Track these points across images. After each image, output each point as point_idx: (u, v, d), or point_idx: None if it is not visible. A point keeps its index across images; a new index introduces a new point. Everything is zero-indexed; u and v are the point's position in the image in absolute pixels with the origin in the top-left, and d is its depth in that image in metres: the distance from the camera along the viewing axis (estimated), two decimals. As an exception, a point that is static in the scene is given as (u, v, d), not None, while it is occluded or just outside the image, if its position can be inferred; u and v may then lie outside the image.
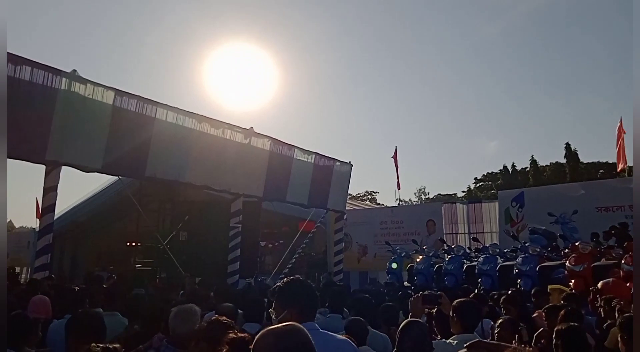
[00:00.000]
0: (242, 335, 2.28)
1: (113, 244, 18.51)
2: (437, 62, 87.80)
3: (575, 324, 3.34)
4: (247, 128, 10.59)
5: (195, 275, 10.69)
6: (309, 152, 12.32)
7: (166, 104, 8.88)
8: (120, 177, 11.02)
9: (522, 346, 2.69)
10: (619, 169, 14.47)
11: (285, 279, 2.65)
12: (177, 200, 14.41)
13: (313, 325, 2.51)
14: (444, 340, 3.44)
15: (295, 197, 12.13)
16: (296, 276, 2.76)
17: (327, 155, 12.96)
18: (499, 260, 9.58)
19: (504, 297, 5.24)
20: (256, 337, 1.59)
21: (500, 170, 39.00)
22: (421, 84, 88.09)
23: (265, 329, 1.60)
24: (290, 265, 15.05)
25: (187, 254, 12.28)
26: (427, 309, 3.48)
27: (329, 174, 13.02)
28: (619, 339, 3.29)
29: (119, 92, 8.13)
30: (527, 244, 9.30)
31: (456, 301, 3.51)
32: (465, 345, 2.62)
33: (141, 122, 8.47)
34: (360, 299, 4.83)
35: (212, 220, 12.17)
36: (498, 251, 9.84)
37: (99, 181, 17.45)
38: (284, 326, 1.61)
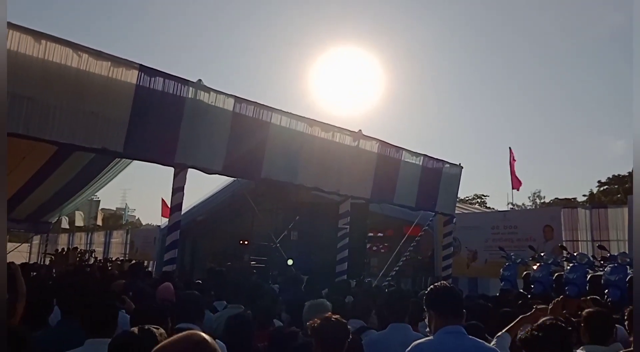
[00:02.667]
0: None
1: (228, 242, 19.64)
2: (555, 55, 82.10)
3: None
4: (356, 131, 10.73)
5: (305, 274, 11.04)
6: (417, 154, 12.15)
7: (280, 109, 9.28)
8: (237, 178, 11.68)
9: None
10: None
11: (434, 285, 2.80)
12: (288, 201, 14.99)
13: (459, 329, 2.67)
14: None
15: (402, 200, 12.03)
16: (443, 282, 2.91)
17: (436, 157, 12.72)
18: (629, 270, 8.76)
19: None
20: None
21: (628, 172, 35.55)
22: (537, 79, 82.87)
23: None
24: (397, 268, 14.98)
25: (297, 253, 12.71)
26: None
27: (438, 176, 12.73)
28: None
29: (237, 99, 8.65)
30: (663, 254, 8.40)
31: (586, 310, 3.32)
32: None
33: (257, 126, 8.94)
34: (479, 305, 4.70)
35: (321, 221, 12.49)
36: (628, 260, 9.00)
37: (216, 183, 18.64)
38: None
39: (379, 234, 18.21)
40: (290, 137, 9.46)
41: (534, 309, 3.81)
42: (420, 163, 12.22)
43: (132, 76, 7.33)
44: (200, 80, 8.13)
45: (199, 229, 21.40)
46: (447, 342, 2.60)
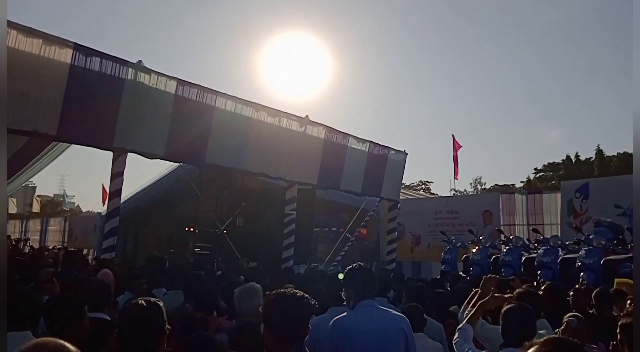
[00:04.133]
0: None
1: (173, 229, 19.20)
2: (496, 48, 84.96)
3: None
4: (303, 116, 10.69)
5: (251, 260, 10.97)
6: (364, 141, 12.28)
7: (225, 93, 9.09)
8: (181, 164, 11.39)
9: None
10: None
11: (350, 266, 2.96)
12: (234, 187, 14.77)
13: (372, 302, 3.03)
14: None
15: (349, 186, 12.15)
16: (357, 263, 3.06)
17: (381, 143, 12.88)
18: (561, 252, 9.25)
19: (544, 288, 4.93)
20: None
21: (562, 160, 37.49)
22: (478, 71, 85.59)
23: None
24: (343, 253, 15.15)
25: (243, 239, 12.58)
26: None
27: (383, 163, 12.94)
28: None
29: (180, 82, 8.40)
30: (591, 237, 8.91)
31: (517, 290, 3.45)
32: None
33: (201, 110, 8.73)
34: (417, 287, 4.82)
35: (267, 207, 12.41)
36: (560, 243, 9.49)
37: (160, 168, 18.09)
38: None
39: (328, 219, 18.31)
40: (236, 121, 9.31)
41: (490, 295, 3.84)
42: (367, 149, 12.36)
43: (65, 55, 6.96)
44: (140, 61, 7.82)
45: (142, 215, 20.76)
46: (360, 314, 2.93)
